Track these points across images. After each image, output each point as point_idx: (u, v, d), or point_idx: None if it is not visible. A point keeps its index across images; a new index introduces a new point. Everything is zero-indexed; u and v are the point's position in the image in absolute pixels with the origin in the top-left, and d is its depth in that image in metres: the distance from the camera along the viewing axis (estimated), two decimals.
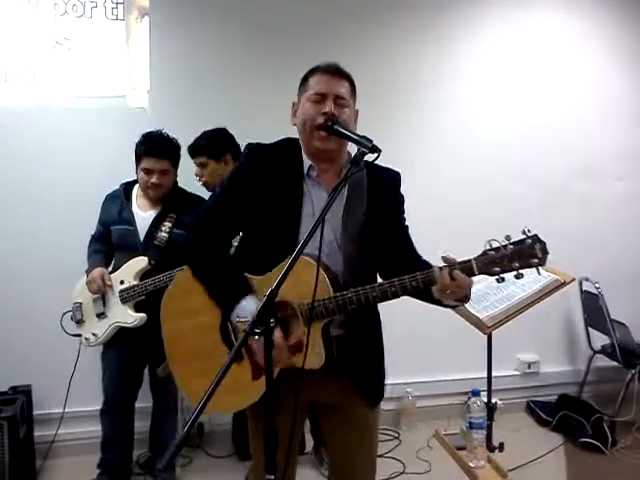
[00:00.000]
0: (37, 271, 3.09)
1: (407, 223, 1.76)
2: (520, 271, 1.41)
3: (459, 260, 1.45)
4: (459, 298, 1.49)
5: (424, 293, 1.51)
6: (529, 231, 1.42)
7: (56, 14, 3.09)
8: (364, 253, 1.62)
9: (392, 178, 1.74)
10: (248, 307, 1.50)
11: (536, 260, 1.40)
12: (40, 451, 3.01)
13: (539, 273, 1.43)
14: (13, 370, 3.00)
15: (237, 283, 1.57)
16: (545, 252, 1.41)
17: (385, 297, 1.49)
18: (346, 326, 1.61)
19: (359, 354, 1.63)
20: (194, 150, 2.83)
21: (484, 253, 1.43)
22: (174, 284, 1.73)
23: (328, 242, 1.56)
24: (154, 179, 2.61)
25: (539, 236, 1.42)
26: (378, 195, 1.67)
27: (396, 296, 1.49)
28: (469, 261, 1.43)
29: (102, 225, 2.76)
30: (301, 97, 1.65)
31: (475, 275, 1.44)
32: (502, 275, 1.42)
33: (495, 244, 1.42)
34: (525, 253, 1.40)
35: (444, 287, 1.43)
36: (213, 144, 2.81)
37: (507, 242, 1.41)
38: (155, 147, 2.59)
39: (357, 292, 1.48)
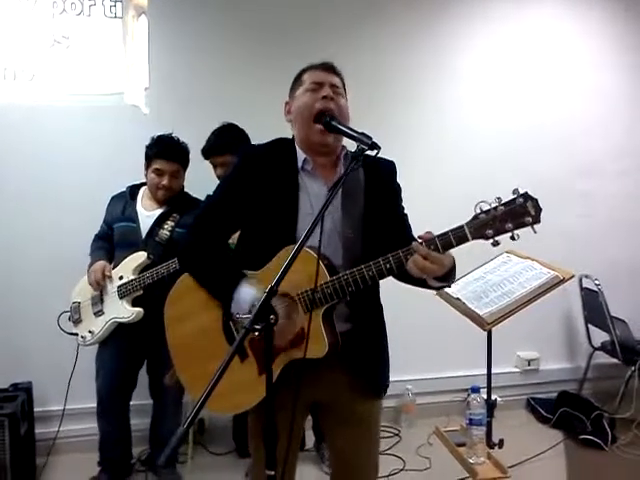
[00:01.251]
0: (38, 268, 3.10)
1: (405, 212, 1.76)
2: (515, 232, 1.37)
3: (451, 227, 1.41)
4: (440, 276, 1.45)
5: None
6: (518, 190, 1.37)
7: (55, 12, 3.09)
8: (366, 241, 1.62)
9: (388, 167, 1.74)
10: (244, 296, 1.51)
11: (529, 218, 1.36)
12: (41, 448, 3.02)
13: (534, 232, 1.37)
14: (14, 367, 3.01)
15: (230, 273, 1.58)
16: (538, 209, 1.37)
17: (381, 274, 1.47)
18: (352, 320, 1.61)
19: (366, 347, 1.63)
20: (217, 149, 2.74)
21: (475, 217, 1.39)
22: (173, 290, 1.71)
23: (329, 233, 1.56)
24: (165, 181, 2.63)
25: (530, 193, 1.37)
26: (375, 184, 1.67)
27: (392, 272, 1.47)
28: (461, 227, 1.40)
29: (106, 224, 2.79)
30: (295, 93, 1.68)
31: (469, 241, 1.40)
32: (497, 238, 1.38)
33: (485, 206, 1.39)
34: (517, 212, 1.36)
35: (416, 265, 1.40)
36: (236, 140, 2.71)
37: (497, 203, 1.38)
38: (167, 150, 2.63)
39: (353, 273, 1.48)
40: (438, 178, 3.53)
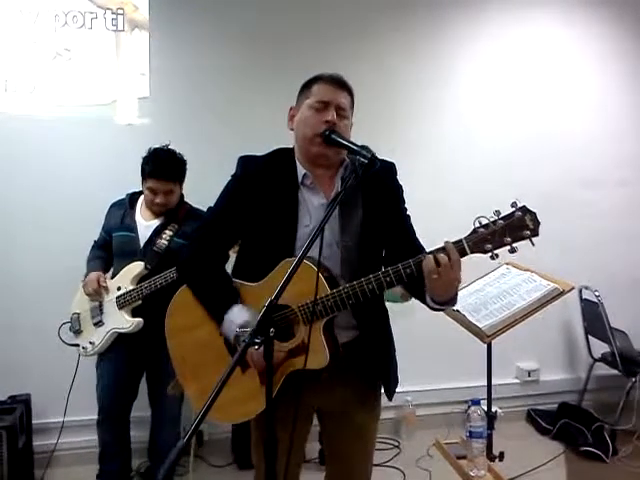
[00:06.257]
0: (37, 280, 3.10)
1: (408, 213, 1.74)
2: (514, 245, 1.38)
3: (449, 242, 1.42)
4: (447, 292, 1.46)
5: (419, 287, 1.50)
6: (517, 203, 1.39)
7: (56, 25, 3.11)
8: (363, 251, 1.62)
9: (387, 169, 1.69)
10: (234, 318, 1.52)
11: (528, 232, 1.38)
12: (39, 461, 3.00)
13: (533, 244, 1.39)
14: (12, 379, 3.00)
15: (224, 295, 1.59)
16: (536, 222, 1.38)
17: (381, 288, 1.47)
18: (359, 328, 1.61)
19: (374, 354, 1.64)
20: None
21: (474, 231, 1.41)
22: (173, 301, 1.71)
23: (328, 244, 1.56)
24: (159, 199, 2.61)
25: (528, 207, 1.39)
26: (374, 188, 1.64)
27: (392, 286, 1.48)
28: (460, 241, 1.42)
29: (105, 232, 2.78)
30: (301, 103, 1.65)
31: (467, 255, 1.41)
32: (495, 252, 1.39)
33: (484, 221, 1.40)
34: (516, 226, 1.38)
35: (430, 272, 1.40)
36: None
37: (496, 217, 1.39)
38: (160, 170, 2.58)
39: (353, 286, 1.48)
40: (437, 188, 3.53)
